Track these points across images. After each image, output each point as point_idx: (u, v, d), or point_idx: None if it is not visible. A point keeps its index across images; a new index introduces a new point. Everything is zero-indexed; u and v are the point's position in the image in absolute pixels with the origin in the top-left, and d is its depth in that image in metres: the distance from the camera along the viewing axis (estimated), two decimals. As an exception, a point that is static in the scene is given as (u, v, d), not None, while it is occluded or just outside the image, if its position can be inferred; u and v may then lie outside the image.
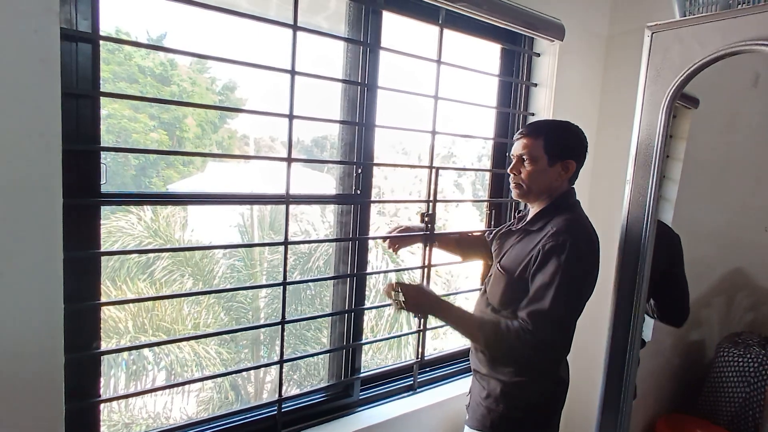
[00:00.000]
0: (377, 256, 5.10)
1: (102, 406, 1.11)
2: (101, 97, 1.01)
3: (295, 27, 1.21)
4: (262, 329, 5.02)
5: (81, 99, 0.97)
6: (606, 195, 1.94)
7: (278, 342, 1.37)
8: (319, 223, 5.56)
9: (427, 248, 1.48)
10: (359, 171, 1.43)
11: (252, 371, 5.13)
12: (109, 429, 4.27)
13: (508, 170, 1.24)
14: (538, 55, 1.85)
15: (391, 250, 1.46)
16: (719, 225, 1.73)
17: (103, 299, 1.06)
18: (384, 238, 1.50)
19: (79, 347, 1.02)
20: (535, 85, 1.86)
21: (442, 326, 2.10)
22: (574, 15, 1.82)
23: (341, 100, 1.43)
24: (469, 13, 1.49)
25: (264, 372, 5.05)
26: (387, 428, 1.50)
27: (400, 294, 1.15)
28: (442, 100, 1.54)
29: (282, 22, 1.20)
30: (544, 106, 1.84)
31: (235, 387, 5.02)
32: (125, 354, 4.42)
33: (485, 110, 1.85)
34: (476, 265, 1.84)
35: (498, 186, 1.89)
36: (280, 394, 1.35)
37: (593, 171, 2.02)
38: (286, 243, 1.29)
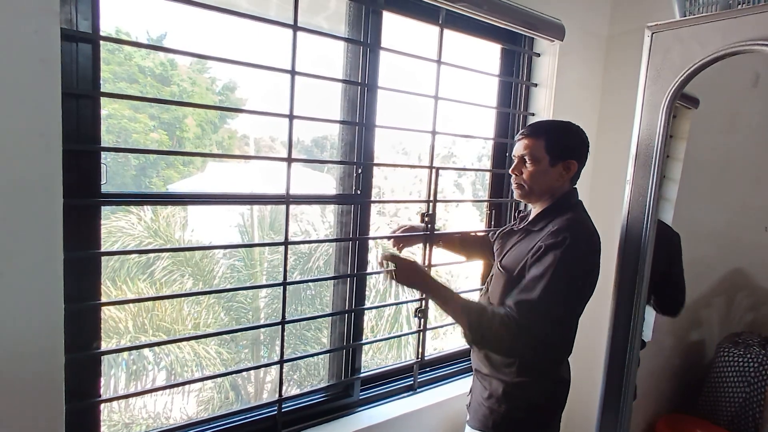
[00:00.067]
0: (377, 257, 5.09)
1: (102, 406, 1.11)
2: (101, 97, 1.01)
3: (295, 27, 1.21)
4: (262, 329, 5.02)
5: (81, 99, 0.97)
6: (606, 195, 1.94)
7: (278, 342, 1.37)
8: (319, 223, 5.56)
9: (428, 248, 1.48)
10: (359, 171, 1.43)
11: (252, 371, 5.13)
12: (109, 429, 4.27)
13: (510, 171, 1.24)
14: (538, 55, 1.85)
15: (395, 249, 1.46)
16: (719, 225, 1.73)
17: (104, 299, 1.06)
18: (388, 238, 1.50)
19: (80, 347, 1.03)
20: (535, 85, 1.86)
21: (442, 326, 2.10)
22: (574, 15, 1.82)
23: (341, 100, 1.43)
24: (469, 13, 1.49)
25: (264, 372, 5.05)
26: (387, 428, 1.50)
27: (393, 265, 1.16)
28: (442, 100, 1.54)
29: (282, 22, 1.20)
30: (544, 107, 1.84)
31: (235, 387, 5.02)
32: (125, 354, 4.42)
33: (485, 110, 1.85)
34: (476, 265, 1.84)
35: (498, 186, 1.89)
36: (280, 394, 1.35)
37: (593, 171, 2.02)
38: (286, 243, 1.29)
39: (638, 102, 1.31)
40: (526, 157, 1.18)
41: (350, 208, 1.46)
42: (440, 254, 1.54)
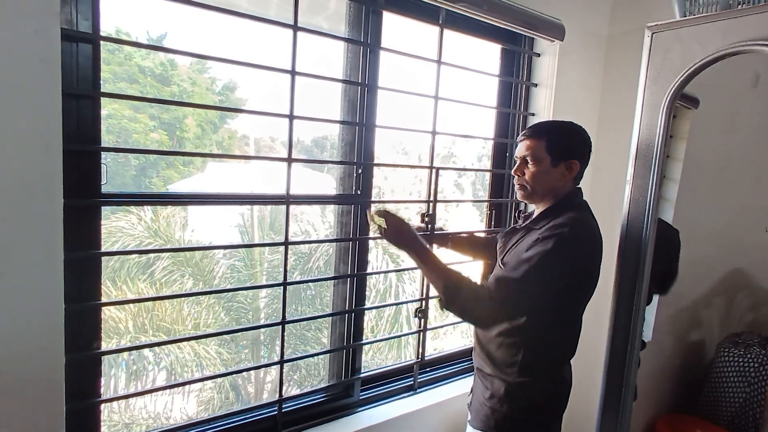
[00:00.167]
0: (377, 257, 5.10)
1: (102, 406, 1.11)
2: (101, 98, 1.01)
3: (295, 27, 1.21)
4: (263, 329, 5.02)
5: (81, 99, 0.97)
6: (606, 195, 1.94)
7: (278, 342, 1.37)
8: (319, 223, 5.56)
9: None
10: (359, 171, 1.43)
11: (252, 371, 5.13)
12: (109, 429, 4.27)
13: (512, 172, 1.24)
14: (539, 55, 1.85)
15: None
16: (719, 225, 1.73)
17: (104, 299, 1.06)
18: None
19: (80, 347, 1.03)
20: (536, 85, 1.86)
21: (442, 326, 2.09)
22: (574, 15, 1.82)
23: (341, 100, 1.43)
24: (469, 13, 1.49)
25: (264, 372, 5.05)
26: (387, 428, 1.50)
27: (383, 220, 1.16)
28: (442, 101, 1.55)
29: (282, 22, 1.20)
30: (544, 107, 1.84)
31: (236, 387, 5.02)
32: (125, 354, 4.42)
33: (485, 110, 1.85)
34: (476, 265, 1.84)
35: (498, 186, 1.89)
36: (280, 395, 1.35)
37: (593, 171, 2.02)
38: (286, 243, 1.29)
39: (638, 102, 1.31)
40: (528, 158, 1.18)
41: (350, 208, 1.46)
42: (445, 255, 1.53)
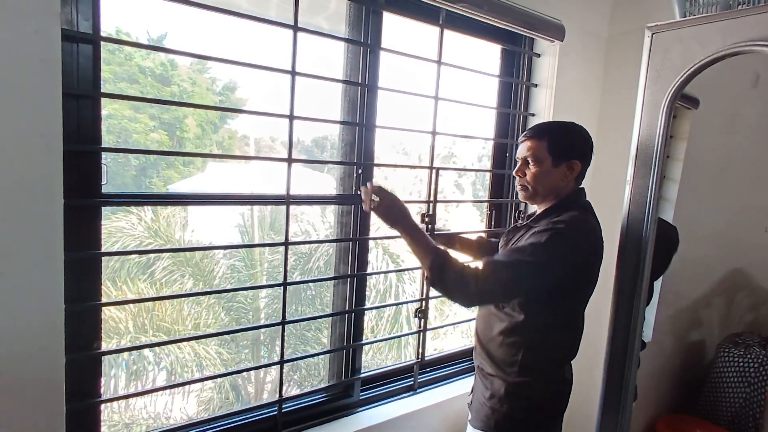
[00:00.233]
0: (377, 257, 5.10)
1: (102, 406, 1.11)
2: (102, 98, 1.01)
3: (295, 28, 1.21)
4: (263, 329, 5.02)
5: (82, 99, 0.97)
6: (606, 195, 1.94)
7: (278, 342, 1.37)
8: (319, 223, 5.56)
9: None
10: (359, 171, 1.43)
11: (252, 371, 5.13)
12: (109, 429, 4.27)
13: (514, 173, 1.25)
14: (539, 55, 1.85)
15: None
16: (719, 225, 1.74)
17: (104, 299, 1.06)
18: (388, 239, 1.50)
19: (80, 347, 1.03)
20: (536, 85, 1.86)
21: (442, 326, 2.10)
22: (574, 15, 1.82)
23: (341, 100, 1.43)
24: (469, 13, 1.49)
25: (264, 372, 5.05)
26: (387, 428, 1.50)
27: (376, 196, 1.18)
28: (443, 101, 1.55)
29: (282, 22, 1.21)
30: (544, 107, 1.84)
31: (236, 387, 5.02)
32: (125, 354, 4.42)
33: (486, 111, 1.85)
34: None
35: (498, 186, 1.89)
36: (280, 395, 1.35)
37: (593, 171, 2.02)
38: (286, 243, 1.29)
39: (638, 102, 1.31)
40: (529, 159, 1.19)
41: (350, 208, 1.46)
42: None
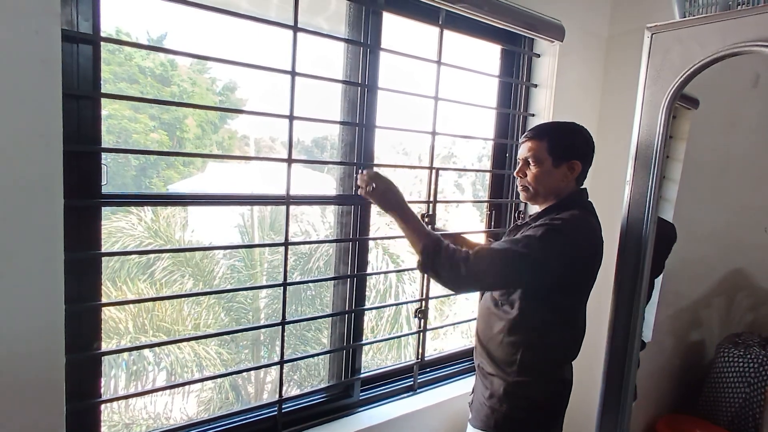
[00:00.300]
0: (377, 257, 5.10)
1: (102, 406, 1.11)
2: (102, 98, 1.01)
3: (295, 28, 1.21)
4: (263, 330, 5.02)
5: (82, 100, 0.97)
6: (606, 196, 1.94)
7: (278, 342, 1.37)
8: (319, 223, 5.56)
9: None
10: (359, 171, 1.43)
11: (252, 372, 5.13)
12: (109, 429, 4.27)
13: (515, 173, 1.25)
14: (538, 55, 1.85)
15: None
16: (719, 225, 1.74)
17: (104, 300, 1.06)
18: (388, 239, 1.51)
19: (80, 348, 1.03)
20: (535, 85, 1.86)
21: (442, 327, 2.10)
22: (574, 16, 1.82)
23: (341, 100, 1.43)
24: (469, 14, 1.49)
25: (264, 372, 5.05)
26: (387, 429, 1.50)
27: (371, 181, 1.20)
28: (443, 101, 1.55)
29: (282, 23, 1.21)
30: (544, 107, 1.84)
31: (236, 387, 5.02)
32: (125, 354, 4.42)
33: (485, 111, 1.85)
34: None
35: (498, 186, 1.89)
36: (280, 395, 1.35)
37: (593, 171, 2.01)
38: (286, 244, 1.29)
39: (638, 102, 1.31)
40: (530, 159, 1.19)
41: (350, 208, 1.46)
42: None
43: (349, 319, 1.51)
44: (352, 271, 1.49)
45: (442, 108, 1.55)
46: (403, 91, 1.46)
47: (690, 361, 1.89)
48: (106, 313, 4.05)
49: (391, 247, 5.19)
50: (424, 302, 1.62)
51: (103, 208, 1.04)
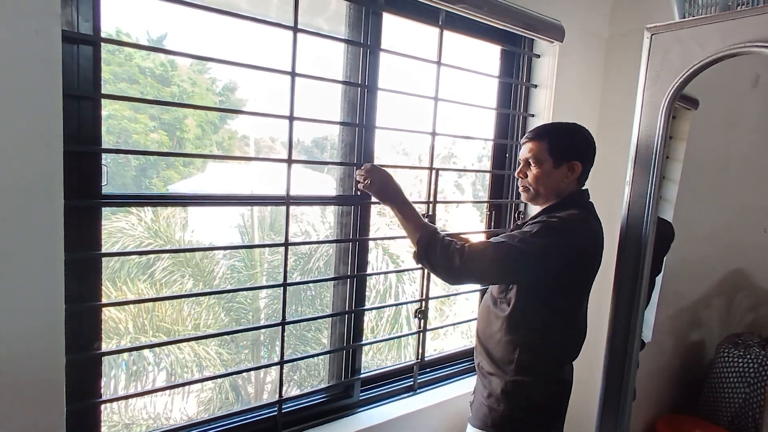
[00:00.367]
0: (377, 257, 5.10)
1: (103, 406, 1.12)
2: (102, 99, 1.01)
3: (295, 29, 1.21)
4: (263, 330, 5.02)
5: (82, 100, 0.98)
6: (606, 196, 1.94)
7: (278, 343, 1.37)
8: (319, 223, 5.56)
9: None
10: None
11: (252, 372, 5.13)
12: (109, 429, 4.27)
13: (516, 174, 1.26)
14: (538, 56, 1.85)
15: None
16: (719, 226, 1.74)
17: (104, 300, 1.06)
18: (388, 239, 1.51)
19: (80, 348, 1.03)
20: (535, 86, 1.86)
21: (442, 327, 2.10)
22: (573, 16, 1.82)
23: (341, 101, 1.43)
24: (469, 14, 1.49)
25: (264, 372, 5.05)
26: (387, 429, 1.50)
27: (369, 174, 1.22)
28: (442, 102, 1.55)
29: (282, 24, 1.21)
30: (544, 107, 1.84)
31: (236, 387, 5.02)
32: (125, 355, 4.42)
33: (485, 111, 1.85)
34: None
35: (498, 187, 1.89)
36: (280, 395, 1.35)
37: (593, 172, 2.02)
38: (286, 244, 1.29)
39: (638, 103, 1.31)
40: (531, 160, 1.20)
41: (350, 209, 1.46)
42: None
43: (349, 320, 1.51)
44: (352, 271, 1.49)
45: (442, 108, 1.55)
46: (403, 91, 1.46)
47: (690, 361, 1.89)
48: (106, 313, 4.04)
49: (391, 248, 5.19)
50: (424, 302, 1.62)
51: (103, 208, 1.04)
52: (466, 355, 1.87)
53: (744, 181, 1.72)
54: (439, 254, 1.11)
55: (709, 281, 1.83)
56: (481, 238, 1.78)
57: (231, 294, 5.11)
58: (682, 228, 1.52)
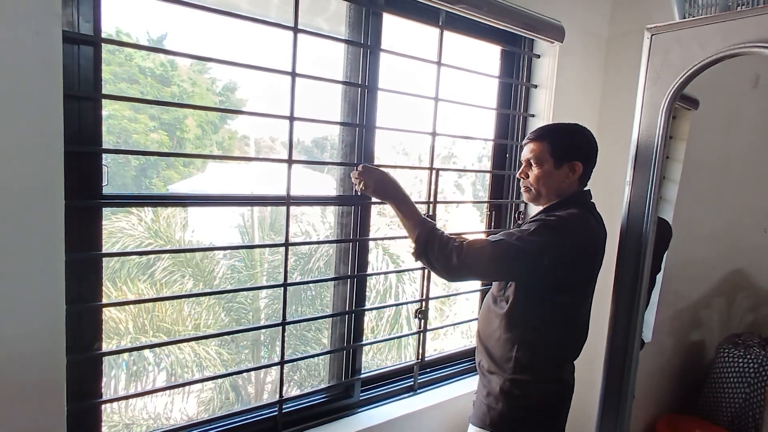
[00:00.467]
0: (377, 258, 5.10)
1: (103, 406, 1.12)
2: (103, 99, 1.01)
3: (295, 29, 1.22)
4: (263, 330, 5.02)
5: (83, 101, 0.98)
6: (606, 196, 1.94)
7: (279, 343, 1.37)
8: (319, 224, 5.56)
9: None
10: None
11: (252, 372, 5.13)
12: (110, 429, 4.27)
13: (518, 175, 1.26)
14: (538, 56, 1.85)
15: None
16: (719, 226, 1.74)
17: (104, 300, 1.07)
18: (388, 239, 1.51)
19: (81, 348, 1.03)
20: (535, 86, 1.86)
21: (442, 327, 2.10)
22: (573, 16, 1.82)
23: (342, 101, 1.44)
24: (469, 14, 1.49)
25: (264, 373, 5.05)
26: (387, 429, 1.50)
27: (362, 178, 1.21)
28: (443, 102, 1.55)
29: (282, 24, 1.21)
30: (544, 108, 1.84)
31: (236, 388, 5.02)
32: (126, 355, 4.42)
33: (485, 111, 1.85)
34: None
35: (498, 187, 1.89)
36: (280, 395, 1.35)
37: (593, 172, 2.03)
38: (286, 244, 1.29)
39: (638, 103, 1.31)
40: (532, 161, 1.21)
41: (350, 209, 1.46)
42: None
43: (350, 320, 1.51)
44: (352, 271, 1.49)
45: (442, 108, 1.56)
46: (404, 91, 1.46)
47: (690, 362, 1.89)
48: (107, 313, 4.03)
49: (391, 248, 5.19)
50: (424, 303, 1.62)
51: (103, 208, 1.04)
52: (467, 355, 1.87)
53: (744, 181, 1.72)
54: (438, 251, 1.11)
55: (709, 281, 1.83)
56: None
57: (231, 294, 5.11)
58: (682, 228, 1.52)
